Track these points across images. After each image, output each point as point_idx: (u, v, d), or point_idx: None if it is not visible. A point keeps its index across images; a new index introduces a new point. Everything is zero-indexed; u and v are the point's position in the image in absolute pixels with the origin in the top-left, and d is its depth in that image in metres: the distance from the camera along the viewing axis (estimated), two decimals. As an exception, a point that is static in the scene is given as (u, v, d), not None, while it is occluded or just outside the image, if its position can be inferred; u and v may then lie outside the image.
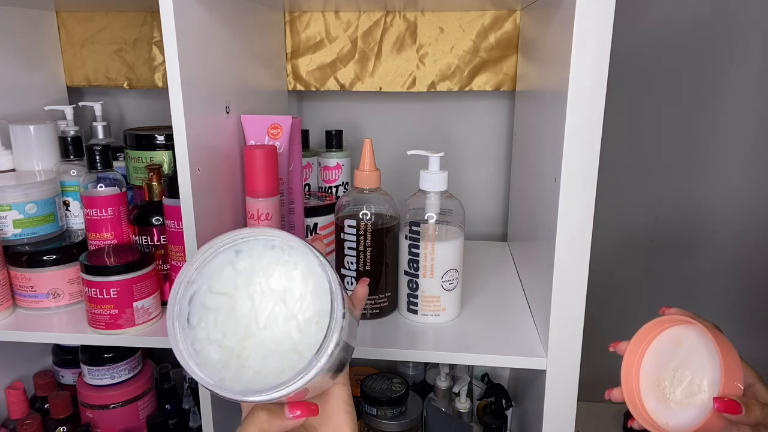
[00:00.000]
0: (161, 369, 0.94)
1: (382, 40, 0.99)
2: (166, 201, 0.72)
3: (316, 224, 0.90)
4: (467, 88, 1.00)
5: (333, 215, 0.84)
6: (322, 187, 1.00)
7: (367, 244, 0.71)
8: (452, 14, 0.97)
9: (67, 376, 0.95)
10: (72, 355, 0.93)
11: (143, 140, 0.84)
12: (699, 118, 1.01)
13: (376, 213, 0.72)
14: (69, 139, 0.82)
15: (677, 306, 0.60)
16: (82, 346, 0.84)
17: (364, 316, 0.74)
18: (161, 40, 0.66)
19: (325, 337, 0.39)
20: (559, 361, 0.64)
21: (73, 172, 0.81)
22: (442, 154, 0.70)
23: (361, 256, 0.71)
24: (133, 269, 0.70)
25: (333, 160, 0.98)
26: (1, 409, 0.90)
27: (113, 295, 0.69)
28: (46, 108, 0.93)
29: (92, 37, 1.03)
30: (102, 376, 0.83)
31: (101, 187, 0.75)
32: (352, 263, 0.72)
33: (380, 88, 1.01)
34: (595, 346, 0.69)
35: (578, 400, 0.66)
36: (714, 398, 0.46)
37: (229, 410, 0.77)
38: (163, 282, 0.77)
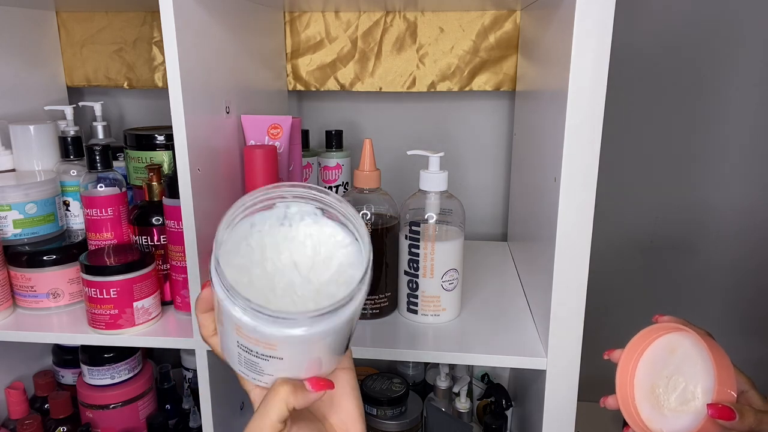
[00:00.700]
0: (161, 369, 0.94)
1: (382, 40, 0.99)
2: (166, 201, 0.72)
3: (316, 224, 0.90)
4: (467, 88, 1.00)
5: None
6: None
7: (367, 245, 0.71)
8: (452, 14, 0.97)
9: (67, 376, 0.95)
10: (72, 355, 0.93)
11: (143, 140, 0.84)
12: (699, 118, 1.01)
13: (376, 213, 0.72)
14: (69, 139, 0.82)
15: (677, 305, 0.60)
16: (82, 346, 0.84)
17: (364, 316, 0.74)
18: (161, 40, 0.66)
19: (365, 273, 0.40)
20: (559, 361, 0.64)
21: (73, 172, 0.81)
22: (442, 154, 0.70)
23: (361, 256, 0.71)
24: (133, 269, 0.70)
25: (333, 160, 0.98)
26: (1, 409, 0.90)
27: (113, 295, 0.69)
28: (46, 108, 0.93)
29: (92, 37, 1.03)
30: (102, 376, 0.83)
31: (101, 187, 0.75)
32: (352, 263, 0.72)
33: (380, 88, 1.01)
34: (595, 346, 0.68)
35: (578, 400, 0.66)
36: (708, 405, 0.47)
37: (229, 410, 0.77)
38: (163, 282, 0.77)
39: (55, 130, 0.84)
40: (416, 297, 0.73)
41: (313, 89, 1.02)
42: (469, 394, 0.93)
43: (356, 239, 0.43)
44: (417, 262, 0.71)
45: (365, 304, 0.73)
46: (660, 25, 0.98)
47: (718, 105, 1.00)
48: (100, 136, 0.96)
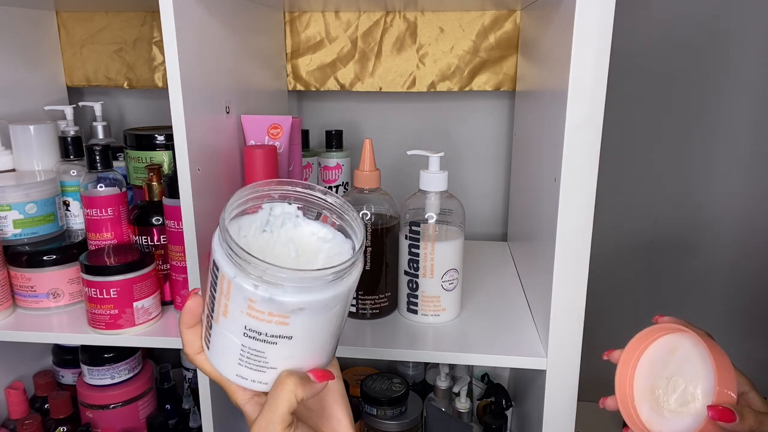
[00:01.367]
0: (161, 369, 0.94)
1: (382, 40, 0.99)
2: (166, 201, 0.72)
3: (316, 224, 0.90)
4: (467, 88, 1.00)
5: (333, 215, 0.84)
6: (322, 187, 1.00)
7: (367, 244, 0.71)
8: (452, 14, 0.97)
9: (67, 376, 0.95)
10: (72, 355, 0.93)
11: (143, 140, 0.84)
12: (699, 118, 1.01)
13: (376, 213, 0.72)
14: (69, 139, 0.82)
15: (677, 306, 0.60)
16: (82, 346, 0.84)
17: (364, 316, 0.74)
18: (161, 40, 0.66)
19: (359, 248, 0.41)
20: (559, 361, 0.64)
21: (73, 172, 0.81)
22: (442, 154, 0.70)
23: (361, 256, 0.71)
24: (133, 269, 0.70)
25: (333, 160, 0.98)
26: (1, 409, 0.90)
27: (113, 295, 0.69)
28: (46, 108, 0.93)
29: (92, 37, 1.03)
30: (102, 376, 0.83)
31: (101, 187, 0.75)
32: (352, 263, 0.72)
33: (380, 88, 1.01)
34: (595, 346, 0.68)
35: (578, 400, 0.66)
36: (708, 406, 0.47)
37: (229, 410, 0.77)
38: (163, 282, 0.77)
39: (55, 130, 0.84)
40: (416, 297, 0.73)
41: (313, 89, 1.02)
42: (469, 394, 0.93)
43: (340, 232, 0.45)
44: (417, 262, 0.71)
45: (365, 304, 0.73)
46: (660, 25, 0.98)
47: (719, 104, 1.00)
48: (100, 136, 0.96)
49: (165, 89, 0.65)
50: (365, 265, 0.71)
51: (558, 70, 0.62)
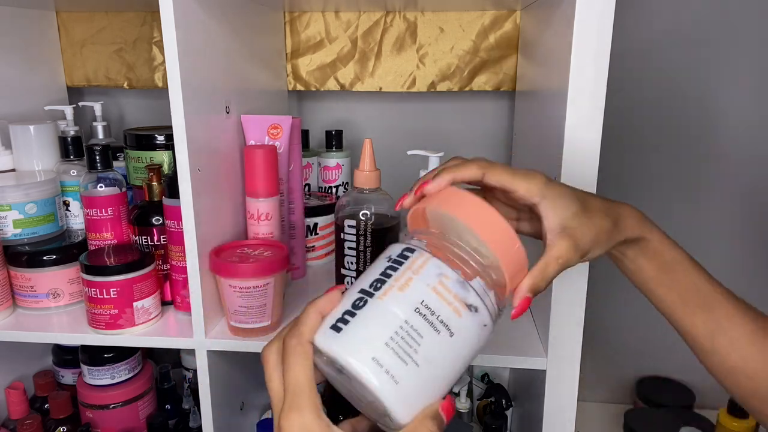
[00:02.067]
0: (161, 369, 0.94)
1: (382, 40, 0.99)
2: (166, 201, 0.72)
3: (316, 224, 0.90)
4: (467, 88, 1.00)
5: (333, 215, 0.84)
6: (322, 187, 1.00)
7: (367, 244, 0.71)
8: (452, 14, 0.97)
9: (67, 376, 0.95)
10: (72, 355, 0.93)
11: (143, 140, 0.84)
12: (699, 117, 1.01)
13: (376, 213, 0.72)
14: (69, 139, 0.82)
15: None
16: (82, 346, 0.84)
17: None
18: (161, 40, 0.66)
19: None
20: (559, 361, 0.64)
21: (73, 172, 0.81)
22: (442, 154, 0.70)
23: (361, 256, 0.71)
24: (133, 269, 0.70)
25: (333, 160, 0.98)
26: (1, 409, 0.90)
27: (113, 295, 0.69)
28: (46, 108, 0.93)
29: (92, 37, 1.03)
30: (102, 376, 0.83)
31: (101, 187, 0.75)
32: (352, 263, 0.72)
33: (380, 88, 1.01)
34: (595, 346, 0.69)
35: (578, 400, 0.66)
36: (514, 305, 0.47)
37: (229, 410, 0.77)
38: (163, 282, 0.77)
39: (55, 130, 0.84)
40: (416, 297, 0.73)
41: (313, 89, 1.02)
42: (469, 394, 0.93)
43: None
44: (417, 262, 0.71)
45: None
46: (660, 25, 0.98)
47: (719, 104, 1.00)
48: (100, 136, 0.96)
49: (165, 89, 0.65)
50: (365, 265, 0.71)
51: (558, 70, 0.62)
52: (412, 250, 0.42)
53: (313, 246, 0.91)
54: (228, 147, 0.73)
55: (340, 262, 0.73)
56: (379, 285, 0.41)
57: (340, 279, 0.73)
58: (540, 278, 0.47)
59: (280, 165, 0.77)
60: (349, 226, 0.71)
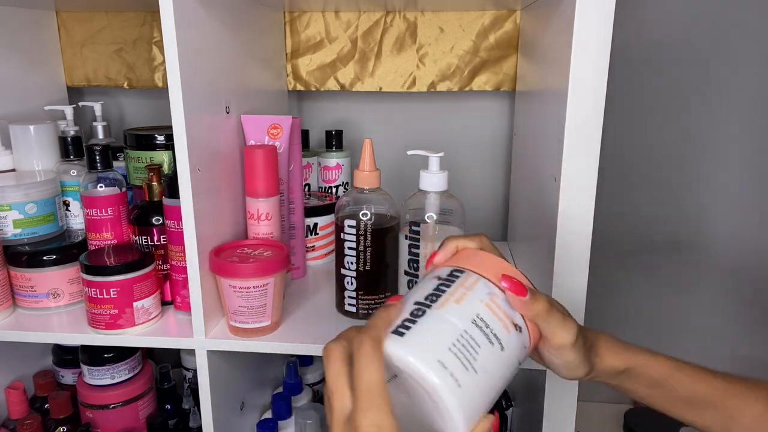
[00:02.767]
0: (161, 369, 0.94)
1: (382, 40, 0.99)
2: (166, 201, 0.72)
3: (316, 224, 0.90)
4: (467, 88, 1.00)
5: (333, 215, 0.84)
6: (322, 187, 1.00)
7: (367, 244, 0.71)
8: (452, 14, 0.97)
9: (67, 376, 0.95)
10: (72, 355, 0.93)
11: (143, 140, 0.84)
12: (699, 117, 1.01)
13: (376, 213, 0.72)
14: (69, 139, 0.82)
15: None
16: (82, 346, 0.83)
17: (364, 316, 0.74)
18: (161, 40, 0.66)
19: None
20: (559, 361, 0.64)
21: (73, 172, 0.81)
22: (441, 154, 0.70)
23: (361, 256, 0.71)
24: (133, 269, 0.70)
25: (333, 160, 0.98)
26: (1, 409, 0.90)
27: (113, 295, 0.69)
28: (46, 108, 0.93)
29: (92, 37, 1.03)
30: (102, 376, 0.83)
31: (101, 187, 0.75)
32: (352, 263, 0.72)
33: (380, 88, 1.01)
34: (595, 346, 0.69)
35: (578, 400, 0.66)
36: (503, 275, 0.44)
37: (229, 410, 0.77)
38: (163, 282, 0.77)
39: (55, 130, 0.84)
40: (416, 297, 0.73)
41: (313, 89, 1.02)
42: (469, 394, 0.93)
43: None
44: (417, 262, 0.71)
45: (365, 304, 0.73)
46: (660, 25, 0.98)
47: (719, 104, 1.00)
48: (100, 136, 0.96)
49: (165, 89, 0.65)
50: (365, 265, 0.71)
51: (558, 70, 0.62)
52: (461, 271, 0.45)
53: (313, 246, 0.91)
54: (228, 147, 0.73)
55: (340, 262, 0.73)
56: (434, 298, 0.42)
57: (340, 279, 0.73)
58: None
59: (280, 165, 0.77)
60: (349, 226, 0.71)
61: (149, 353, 1.01)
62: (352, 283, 0.73)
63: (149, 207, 0.77)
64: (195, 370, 0.88)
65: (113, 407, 0.84)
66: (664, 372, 0.54)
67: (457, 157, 1.05)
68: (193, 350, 0.69)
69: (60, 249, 0.77)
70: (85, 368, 0.83)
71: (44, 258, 0.76)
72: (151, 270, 0.73)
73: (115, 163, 0.82)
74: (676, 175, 1.04)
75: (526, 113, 0.88)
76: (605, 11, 0.54)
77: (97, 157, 0.75)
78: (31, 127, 0.81)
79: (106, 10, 1.01)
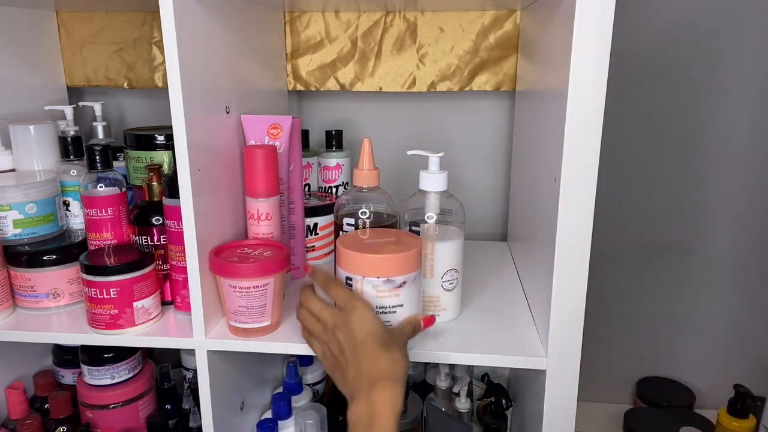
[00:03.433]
0: (161, 369, 0.94)
1: (382, 40, 0.99)
2: (166, 201, 0.72)
3: (316, 224, 0.90)
4: (467, 88, 1.00)
5: (333, 215, 0.84)
6: (322, 187, 1.00)
7: (367, 244, 0.71)
8: (452, 14, 0.97)
9: (67, 376, 0.95)
10: (72, 355, 0.93)
11: (143, 140, 0.84)
12: (699, 117, 1.01)
13: (375, 212, 0.72)
14: (69, 139, 0.82)
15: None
16: (82, 346, 0.83)
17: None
18: (161, 40, 0.66)
19: None
20: (559, 361, 0.64)
21: (73, 172, 0.81)
22: (441, 154, 0.70)
23: (361, 256, 0.71)
24: (133, 269, 0.70)
25: (333, 160, 0.98)
26: (1, 409, 0.90)
27: (113, 295, 0.69)
28: (46, 108, 0.93)
29: (92, 37, 1.03)
30: (102, 376, 0.83)
31: (101, 187, 0.75)
32: (352, 263, 0.72)
33: (380, 88, 1.01)
34: (595, 346, 0.69)
35: (578, 400, 0.66)
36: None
37: (229, 410, 0.77)
38: (162, 282, 0.77)
39: (55, 130, 0.84)
40: (416, 297, 0.73)
41: (313, 89, 1.02)
42: (469, 394, 0.93)
43: None
44: (417, 262, 0.71)
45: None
46: (660, 25, 0.98)
47: (719, 104, 1.00)
48: (100, 136, 0.96)
49: (165, 89, 0.65)
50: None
51: (558, 70, 0.62)
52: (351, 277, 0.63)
53: (313, 246, 0.91)
54: (228, 147, 0.73)
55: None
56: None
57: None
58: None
59: (280, 165, 0.77)
60: (348, 225, 0.71)
61: (149, 353, 1.01)
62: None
63: (149, 207, 0.77)
64: (195, 370, 0.88)
65: (113, 407, 0.84)
66: None
67: (457, 157, 1.05)
68: (193, 350, 0.69)
69: (60, 249, 0.77)
70: (85, 368, 0.83)
71: (44, 258, 0.76)
72: (151, 270, 0.73)
73: (115, 163, 0.82)
74: (676, 175, 1.04)
75: (526, 113, 0.88)
76: (605, 11, 0.54)
77: (97, 157, 0.75)
78: (31, 127, 0.81)
79: (106, 10, 1.01)
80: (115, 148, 0.90)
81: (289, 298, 0.78)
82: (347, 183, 0.99)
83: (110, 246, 0.76)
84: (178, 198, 0.64)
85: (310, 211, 0.89)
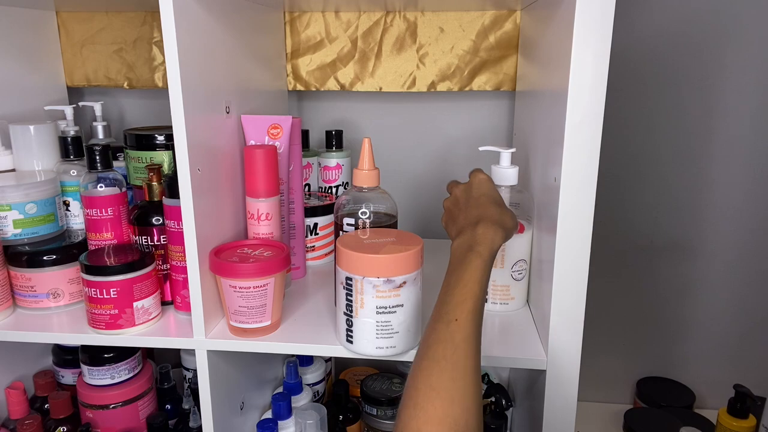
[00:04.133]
0: (161, 369, 0.94)
1: (382, 40, 0.99)
2: (166, 201, 0.72)
3: (316, 224, 0.90)
4: (467, 88, 1.00)
5: (333, 215, 0.84)
6: (322, 187, 1.00)
7: (367, 244, 0.71)
8: (452, 14, 0.97)
9: (67, 376, 0.95)
10: (72, 355, 0.93)
11: (143, 140, 0.84)
12: (699, 118, 1.01)
13: (375, 212, 0.71)
14: (69, 139, 0.82)
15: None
16: (82, 346, 0.84)
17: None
18: (161, 40, 0.66)
19: None
20: (559, 361, 0.64)
21: (73, 172, 0.81)
22: (513, 150, 0.74)
23: (361, 256, 0.71)
24: (133, 269, 0.70)
25: (333, 160, 0.98)
26: (1, 409, 0.90)
27: (113, 295, 0.69)
28: (46, 108, 0.93)
29: (92, 37, 1.03)
30: (102, 376, 0.83)
31: (101, 187, 0.75)
32: (352, 263, 0.72)
33: (380, 88, 1.01)
34: (595, 346, 0.69)
35: (578, 400, 0.66)
36: None
37: (229, 410, 0.77)
38: (163, 282, 0.77)
39: (55, 130, 0.84)
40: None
41: (313, 89, 1.02)
42: (469, 394, 0.93)
43: None
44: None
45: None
46: (660, 25, 0.98)
47: (719, 105, 1.00)
48: (100, 136, 0.96)
49: (165, 89, 0.65)
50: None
51: (558, 70, 0.62)
52: (351, 278, 0.62)
53: (313, 246, 0.91)
54: (228, 147, 0.73)
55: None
56: (350, 307, 0.63)
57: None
58: None
59: (280, 165, 0.77)
60: (348, 225, 0.71)
61: (149, 353, 1.01)
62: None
63: (149, 207, 0.77)
64: (195, 370, 0.88)
65: (113, 407, 0.84)
66: None
67: (456, 157, 1.05)
68: (193, 350, 0.69)
69: (60, 249, 0.77)
70: (85, 368, 0.83)
71: (44, 258, 0.76)
72: (151, 270, 0.73)
73: (115, 163, 0.82)
74: (676, 176, 1.04)
75: (526, 113, 0.88)
76: (605, 11, 0.54)
77: (97, 157, 0.75)
78: (31, 127, 0.81)
79: (106, 10, 1.01)
80: (115, 148, 0.90)
81: (289, 298, 0.78)
82: (347, 183, 0.99)
83: (110, 246, 0.76)
84: (178, 198, 0.64)
85: (310, 211, 0.89)
